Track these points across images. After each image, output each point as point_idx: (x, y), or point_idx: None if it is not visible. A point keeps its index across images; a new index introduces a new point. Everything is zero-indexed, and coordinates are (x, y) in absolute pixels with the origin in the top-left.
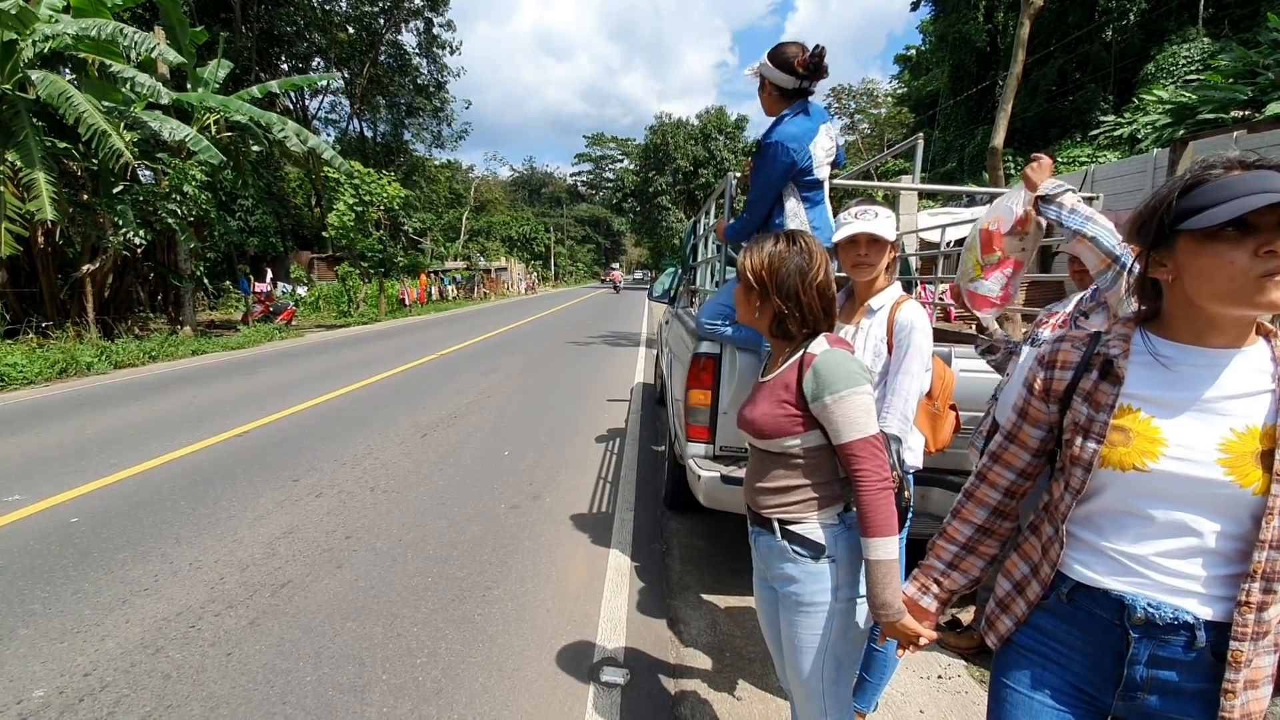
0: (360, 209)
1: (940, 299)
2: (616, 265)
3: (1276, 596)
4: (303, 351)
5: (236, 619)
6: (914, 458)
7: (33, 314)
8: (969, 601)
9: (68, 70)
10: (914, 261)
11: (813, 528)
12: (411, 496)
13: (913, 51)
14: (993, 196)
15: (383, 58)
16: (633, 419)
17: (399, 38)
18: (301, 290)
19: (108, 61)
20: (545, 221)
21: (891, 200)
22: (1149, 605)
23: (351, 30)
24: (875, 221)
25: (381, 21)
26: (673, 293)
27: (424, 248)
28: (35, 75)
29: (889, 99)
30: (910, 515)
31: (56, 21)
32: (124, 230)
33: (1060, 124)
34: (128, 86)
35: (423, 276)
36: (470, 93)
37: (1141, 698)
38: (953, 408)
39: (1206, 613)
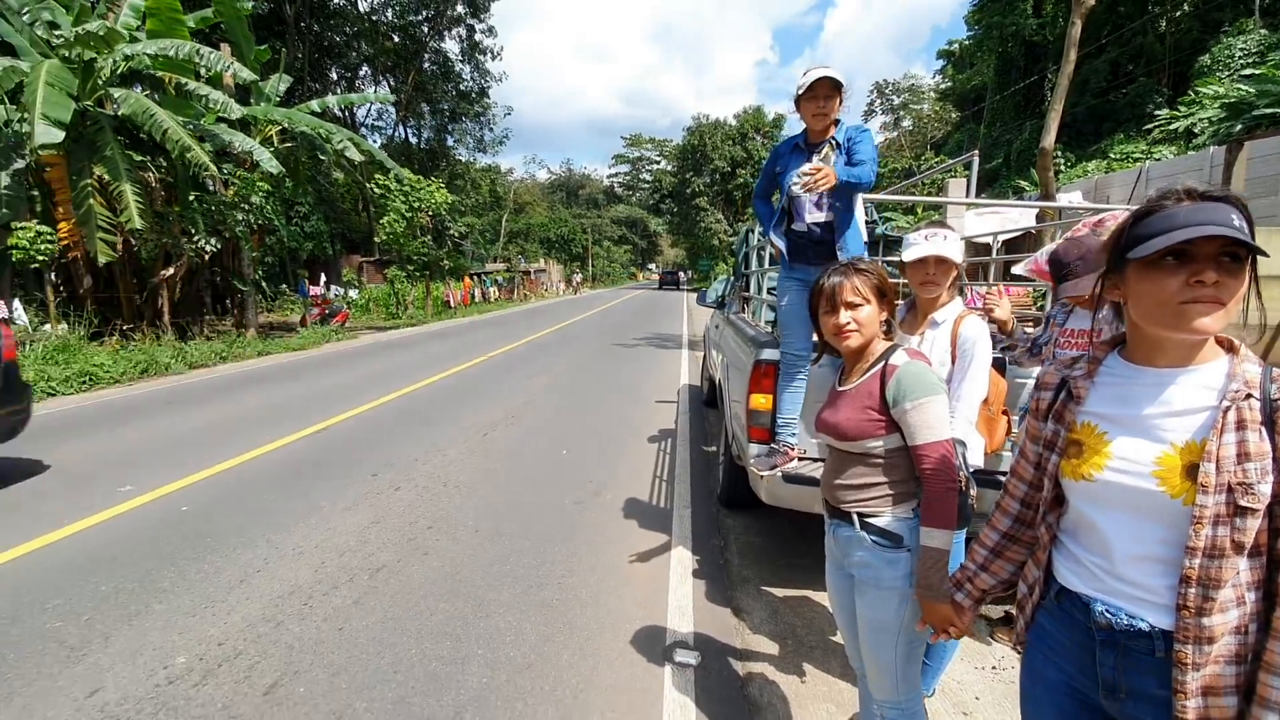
0: (409, 215)
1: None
2: (653, 266)
3: (1217, 604)
4: (360, 353)
5: (342, 598)
6: (975, 457)
7: (113, 318)
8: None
9: (138, 87)
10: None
11: (890, 521)
12: (481, 491)
13: (956, 46)
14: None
15: (426, 65)
16: (682, 420)
17: (442, 45)
18: (353, 293)
19: (183, 79)
20: (582, 222)
21: (937, 208)
22: (1107, 610)
23: (397, 39)
24: (944, 244)
25: (425, 29)
26: (723, 299)
27: (465, 250)
28: (116, 93)
29: (932, 94)
30: (970, 513)
31: (135, 42)
32: (196, 238)
33: (1113, 118)
34: (201, 102)
35: (466, 279)
36: (510, 97)
37: (1122, 700)
38: (1005, 413)
39: (1164, 621)
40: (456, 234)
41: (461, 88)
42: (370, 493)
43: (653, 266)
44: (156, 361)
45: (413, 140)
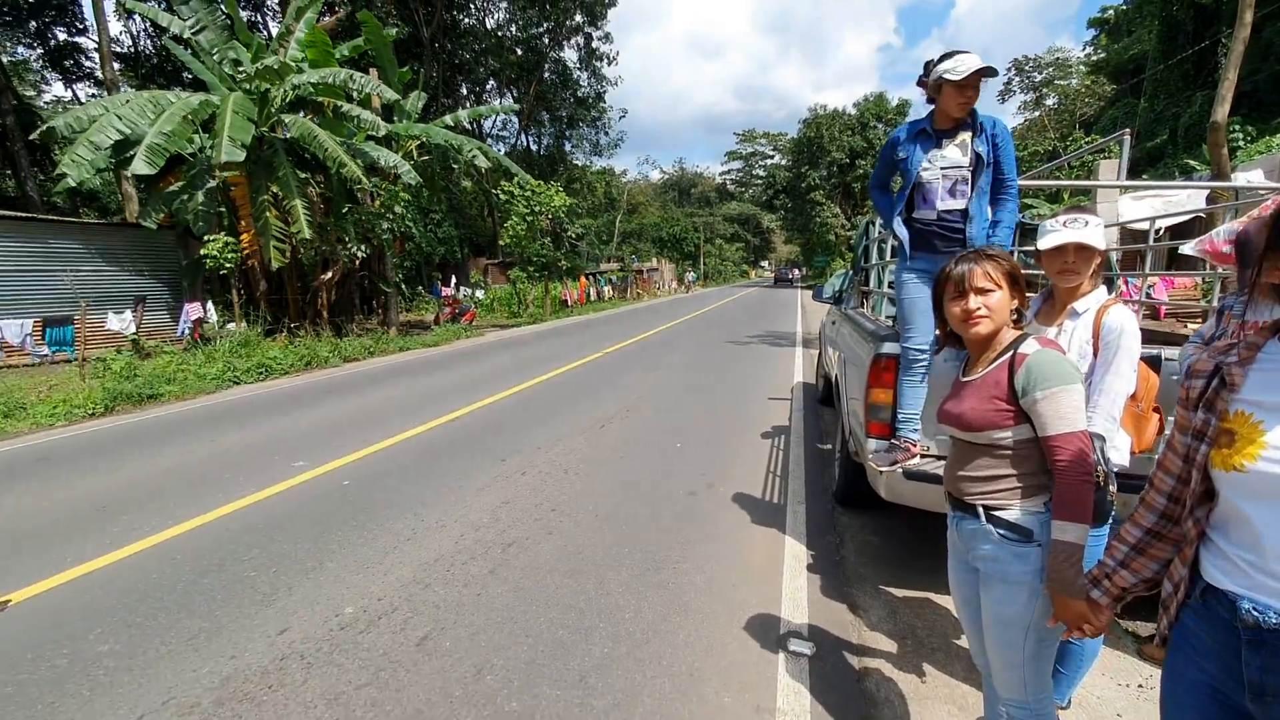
0: (530, 219)
1: (1148, 295)
2: (766, 263)
3: None
4: (487, 349)
5: (479, 568)
6: (1119, 456)
7: (282, 317)
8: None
9: (302, 112)
10: (1114, 255)
11: (1020, 514)
12: (599, 479)
13: (1110, 12)
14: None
15: (547, 74)
16: (796, 417)
17: (561, 54)
18: (479, 293)
19: (339, 102)
20: (694, 221)
21: (1085, 192)
22: (1255, 608)
23: (520, 52)
24: (1085, 230)
25: (546, 40)
26: (841, 294)
27: (581, 250)
28: (287, 118)
29: (1080, 67)
30: (1114, 517)
31: (301, 72)
32: (349, 245)
33: None
34: (354, 122)
35: (582, 279)
36: (623, 100)
37: (1269, 702)
38: (1156, 410)
39: None
40: (573, 235)
41: (579, 94)
42: (499, 476)
43: (765, 264)
44: (317, 355)
45: (533, 147)
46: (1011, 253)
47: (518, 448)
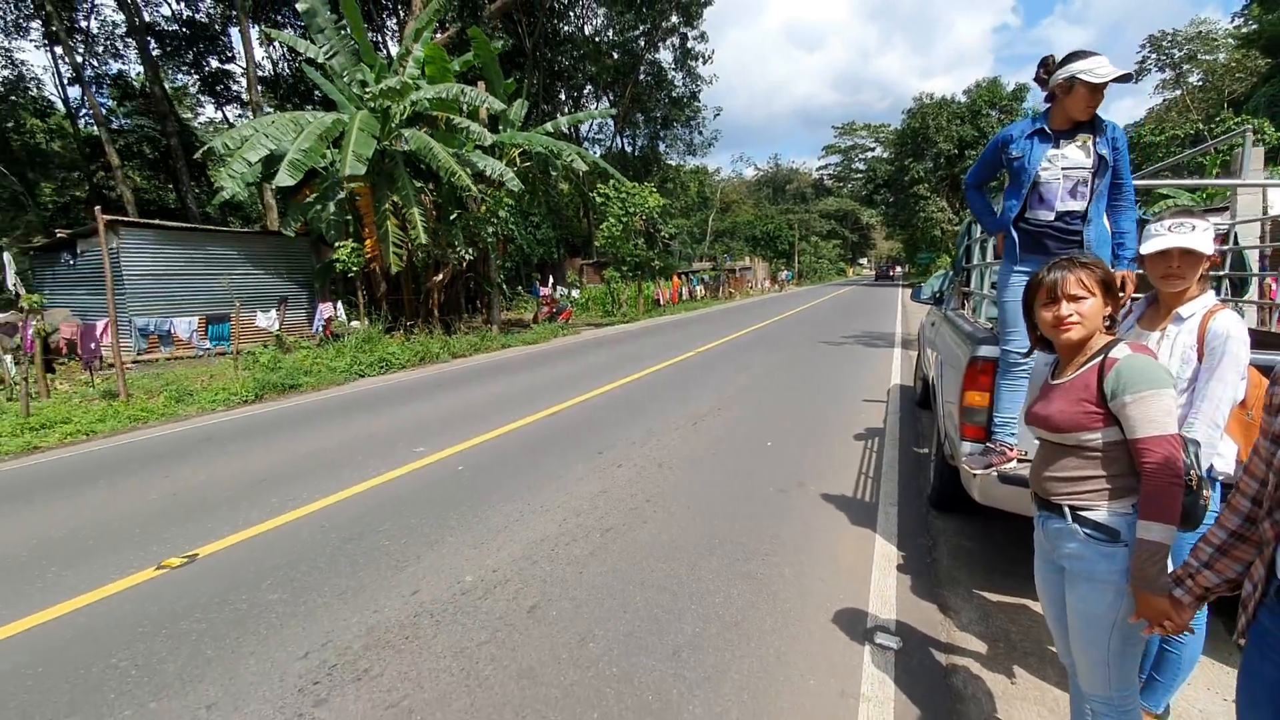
0: (625, 220)
1: None
2: (864, 261)
3: None
4: (582, 347)
5: (580, 549)
6: (1224, 464)
7: (399, 316)
8: None
9: (419, 125)
10: (1252, 254)
11: (1106, 515)
12: (692, 474)
13: None
14: None
15: (642, 76)
16: (891, 419)
17: (657, 56)
18: (574, 293)
19: (451, 116)
20: (789, 218)
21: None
22: None
23: (616, 56)
24: (1191, 235)
25: (641, 43)
26: (940, 295)
27: (674, 250)
28: (406, 133)
29: (1228, 41)
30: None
31: (419, 89)
32: (459, 249)
33: None
34: (463, 134)
35: (675, 278)
36: (718, 97)
37: None
38: None
39: None
40: (666, 235)
41: (674, 95)
42: (597, 468)
43: (864, 261)
44: (429, 351)
45: (628, 148)
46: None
47: (613, 442)
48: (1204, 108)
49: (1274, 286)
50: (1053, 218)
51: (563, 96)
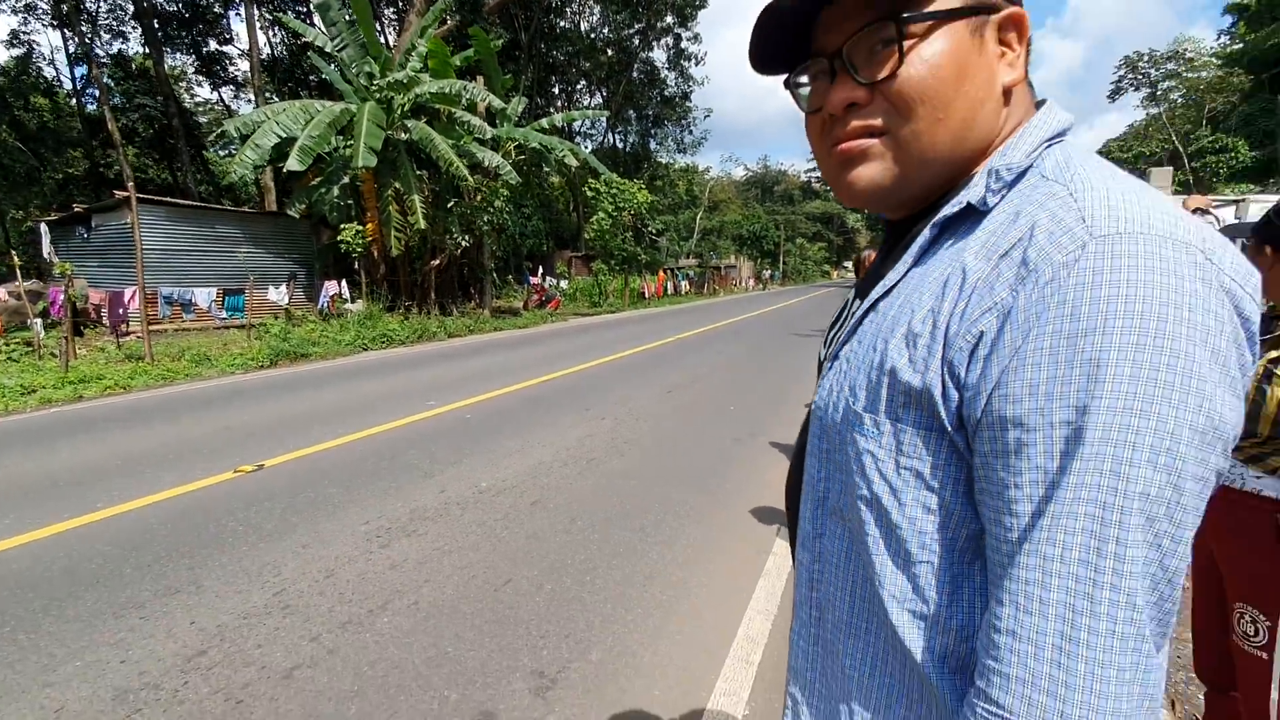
0: (614, 214)
1: None
2: (849, 264)
3: None
4: (570, 331)
5: (571, 470)
6: None
7: (398, 296)
8: None
9: (422, 117)
10: None
11: None
12: (663, 426)
13: None
14: None
15: (635, 74)
16: None
17: (650, 55)
18: (563, 284)
19: (453, 109)
20: (775, 219)
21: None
22: None
23: (610, 53)
24: None
25: (636, 41)
26: None
27: (661, 246)
28: (410, 123)
29: (1212, 60)
30: None
31: (421, 83)
32: (456, 236)
33: None
34: (464, 127)
35: (660, 273)
36: (711, 97)
37: None
38: None
39: None
40: (654, 231)
41: (666, 94)
42: (584, 419)
43: (848, 264)
44: (427, 330)
45: (619, 145)
46: None
47: (599, 402)
48: (1183, 125)
49: None
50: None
51: (557, 90)
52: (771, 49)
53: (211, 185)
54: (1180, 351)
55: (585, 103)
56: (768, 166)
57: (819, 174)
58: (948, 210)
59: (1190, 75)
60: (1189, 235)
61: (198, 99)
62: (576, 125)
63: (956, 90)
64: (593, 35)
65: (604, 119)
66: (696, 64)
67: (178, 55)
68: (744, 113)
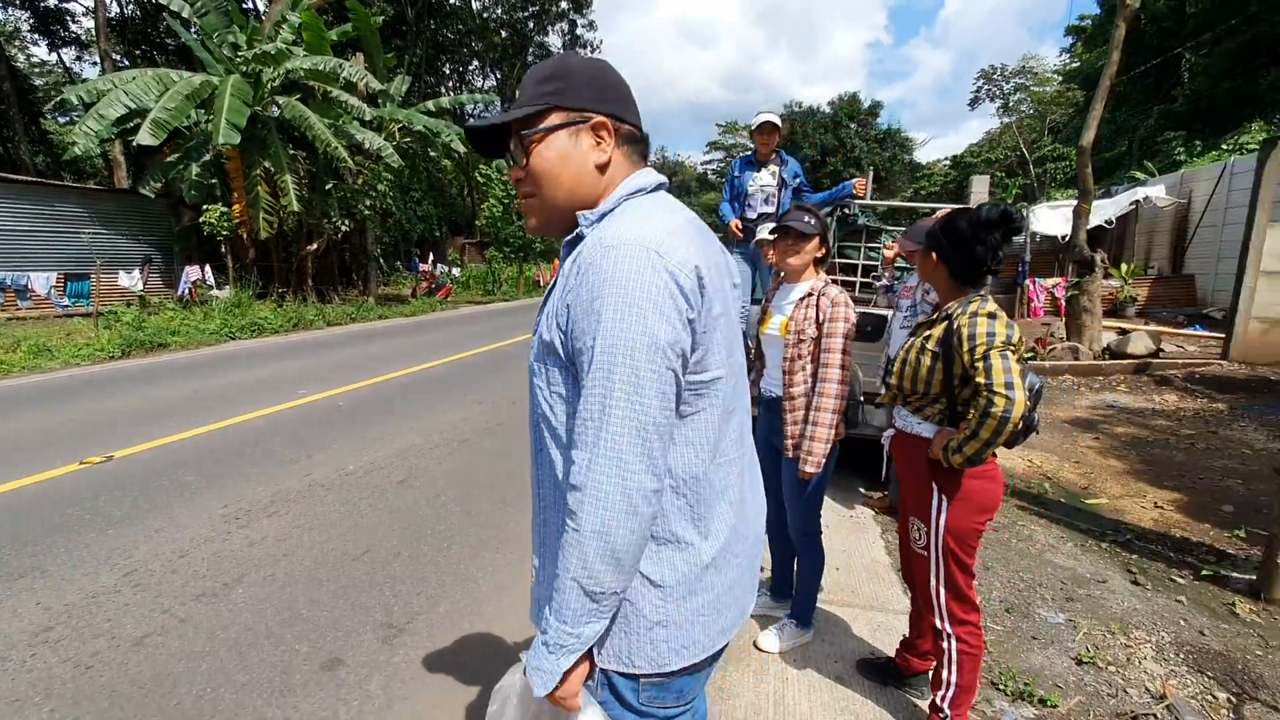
0: (507, 201)
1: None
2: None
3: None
4: (459, 319)
5: (441, 452)
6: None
7: (270, 283)
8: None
9: (296, 94)
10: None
11: None
12: None
13: (1088, 21)
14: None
15: (530, 58)
16: None
17: (546, 39)
18: (455, 271)
19: (329, 88)
20: None
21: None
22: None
23: (504, 35)
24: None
25: (530, 25)
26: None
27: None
28: (280, 100)
29: (1056, 76)
30: None
31: (294, 57)
32: (334, 219)
33: (1254, 103)
34: (341, 106)
35: (555, 261)
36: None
37: None
38: None
39: None
40: None
41: None
42: (462, 404)
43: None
44: (304, 318)
45: None
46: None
47: (480, 388)
48: (1030, 134)
49: (1030, 287)
50: (755, 218)
51: (447, 70)
52: (483, 146)
53: (50, 158)
54: (634, 302)
55: (479, 84)
56: (665, 157)
57: (714, 167)
58: (569, 237)
59: (1036, 89)
60: (650, 242)
61: (34, 59)
62: (469, 109)
63: (562, 169)
64: (485, 15)
65: (496, 103)
66: (593, 51)
67: (10, 9)
68: (643, 102)
